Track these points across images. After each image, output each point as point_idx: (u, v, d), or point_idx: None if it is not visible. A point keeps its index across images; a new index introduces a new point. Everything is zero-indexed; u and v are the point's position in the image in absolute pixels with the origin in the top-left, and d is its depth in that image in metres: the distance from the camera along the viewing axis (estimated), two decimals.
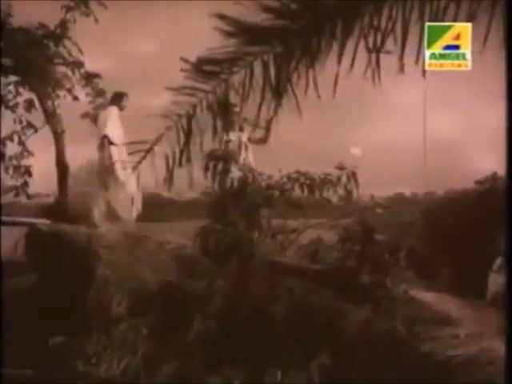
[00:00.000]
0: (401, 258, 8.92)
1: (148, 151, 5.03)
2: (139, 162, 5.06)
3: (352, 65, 4.71)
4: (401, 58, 4.68)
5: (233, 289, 6.71)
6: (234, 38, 4.75)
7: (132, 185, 9.67)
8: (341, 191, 12.65)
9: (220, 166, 9.09)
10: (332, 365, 6.15)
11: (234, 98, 5.09)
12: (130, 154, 5.26)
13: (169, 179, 5.15)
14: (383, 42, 4.63)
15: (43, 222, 9.70)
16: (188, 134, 5.09)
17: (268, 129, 10.21)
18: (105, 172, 10.13)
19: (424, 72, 4.84)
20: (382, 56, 4.72)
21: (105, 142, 9.95)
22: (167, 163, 5.04)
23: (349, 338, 6.31)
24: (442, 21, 4.69)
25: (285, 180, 10.76)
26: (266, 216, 10.94)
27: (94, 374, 6.71)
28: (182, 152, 5.06)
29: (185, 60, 4.88)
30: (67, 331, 7.40)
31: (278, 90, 4.88)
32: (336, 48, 4.75)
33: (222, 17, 4.65)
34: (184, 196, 14.56)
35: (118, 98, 10.11)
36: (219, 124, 5.14)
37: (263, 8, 4.64)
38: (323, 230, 11.35)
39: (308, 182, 11.19)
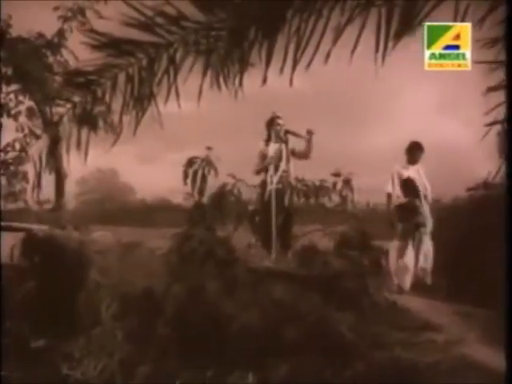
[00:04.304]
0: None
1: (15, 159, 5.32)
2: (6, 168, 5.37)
3: (218, 80, 4.83)
4: (265, 70, 4.76)
5: (209, 294, 6.79)
6: (100, 51, 4.90)
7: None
8: (336, 197, 12.75)
9: (200, 173, 9.13)
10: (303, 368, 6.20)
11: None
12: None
13: (37, 185, 5.40)
14: (249, 53, 4.72)
15: (40, 228, 9.82)
16: (53, 142, 5.28)
17: (309, 142, 10.29)
18: None
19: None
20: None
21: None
22: (35, 170, 5.24)
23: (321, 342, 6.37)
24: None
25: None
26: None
27: (74, 377, 6.82)
28: (47, 160, 5.26)
29: (56, 72, 5.13)
30: (55, 334, 7.51)
31: (141, 101, 5.00)
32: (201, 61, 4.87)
33: (89, 30, 4.82)
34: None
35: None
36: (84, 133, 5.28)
37: (128, 22, 4.76)
38: (319, 235, 11.45)
39: (304, 188, 11.27)
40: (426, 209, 9.66)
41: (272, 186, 10.26)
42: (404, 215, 9.60)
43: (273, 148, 10.45)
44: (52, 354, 7.29)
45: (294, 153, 10.52)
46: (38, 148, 5.34)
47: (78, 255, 8.52)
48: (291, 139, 10.54)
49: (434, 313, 7.84)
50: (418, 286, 9.38)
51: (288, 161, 10.54)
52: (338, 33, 4.44)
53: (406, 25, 4.39)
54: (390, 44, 4.43)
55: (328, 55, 4.49)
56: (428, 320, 7.48)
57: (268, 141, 10.50)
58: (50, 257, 8.68)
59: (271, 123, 10.47)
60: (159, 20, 4.80)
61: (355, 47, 4.46)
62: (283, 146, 10.50)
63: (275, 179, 10.29)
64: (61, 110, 5.24)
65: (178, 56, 4.94)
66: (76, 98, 5.18)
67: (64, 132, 5.26)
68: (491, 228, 8.24)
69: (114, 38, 4.90)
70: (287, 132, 10.48)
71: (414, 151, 9.76)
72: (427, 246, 9.60)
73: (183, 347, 6.44)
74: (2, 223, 10.51)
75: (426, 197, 9.70)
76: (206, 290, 6.84)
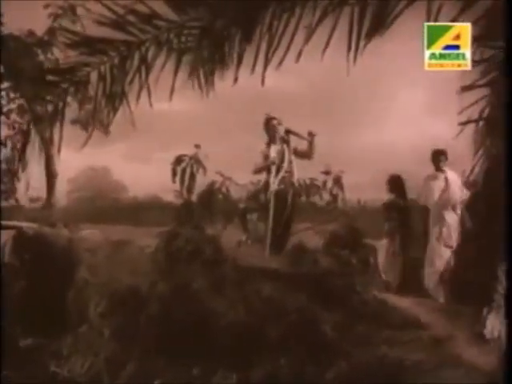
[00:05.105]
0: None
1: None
2: None
3: (191, 75, 4.82)
4: (236, 71, 4.78)
5: (195, 293, 6.80)
6: (73, 50, 4.90)
7: None
8: (327, 196, 12.73)
9: (188, 171, 9.04)
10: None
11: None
12: None
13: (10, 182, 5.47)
14: (224, 55, 4.72)
15: (30, 226, 9.82)
16: (26, 138, 5.34)
17: (311, 143, 10.24)
18: None
19: None
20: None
21: None
22: (10, 167, 5.30)
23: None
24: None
25: None
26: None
27: (61, 375, 6.82)
28: (20, 156, 5.31)
29: (37, 71, 5.12)
30: (44, 332, 7.52)
31: (113, 99, 5.01)
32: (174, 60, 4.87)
33: (62, 29, 4.86)
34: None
35: None
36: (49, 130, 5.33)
37: (101, 20, 4.77)
38: (310, 234, 11.46)
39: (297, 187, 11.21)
40: (449, 217, 9.64)
41: (274, 187, 10.21)
42: (389, 214, 9.64)
43: (274, 149, 10.39)
44: (40, 352, 7.30)
45: (296, 152, 10.46)
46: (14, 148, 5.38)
47: (68, 253, 8.53)
48: (293, 138, 10.47)
49: (421, 310, 7.86)
50: (406, 284, 9.41)
51: (290, 161, 10.47)
52: (310, 32, 4.46)
53: (379, 23, 4.40)
54: (362, 43, 4.45)
55: (299, 54, 4.51)
56: (415, 317, 7.50)
57: (269, 143, 10.44)
58: (39, 255, 8.68)
59: (267, 125, 10.41)
60: (131, 18, 4.82)
61: (327, 46, 4.48)
62: (285, 146, 10.42)
63: (277, 180, 10.23)
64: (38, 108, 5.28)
65: (150, 54, 4.95)
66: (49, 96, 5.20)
67: (39, 131, 5.28)
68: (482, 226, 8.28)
69: (86, 37, 4.92)
70: (288, 132, 10.41)
71: (436, 158, 9.80)
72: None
73: (169, 346, 6.45)
74: None
75: (453, 207, 9.66)
76: (193, 289, 6.84)
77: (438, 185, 9.73)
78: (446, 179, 9.71)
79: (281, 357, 6.16)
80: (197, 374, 6.16)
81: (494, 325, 5.98)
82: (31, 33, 11.33)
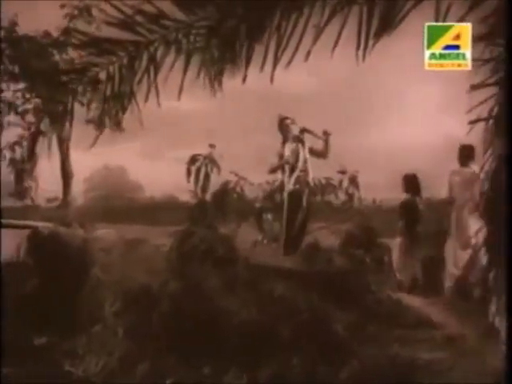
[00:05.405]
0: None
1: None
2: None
3: (198, 75, 4.84)
4: (245, 71, 4.78)
5: (208, 292, 6.81)
6: (81, 50, 4.93)
7: None
8: (342, 195, 12.73)
9: (203, 170, 9.09)
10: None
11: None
12: None
13: (16, 182, 5.56)
14: (235, 54, 4.73)
15: (45, 225, 9.87)
16: (35, 137, 5.40)
17: (326, 142, 10.28)
18: None
19: None
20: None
21: None
22: (14, 165, 5.39)
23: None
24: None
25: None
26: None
27: (76, 374, 6.85)
28: (29, 154, 5.38)
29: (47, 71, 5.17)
30: (59, 332, 7.56)
31: (122, 99, 5.03)
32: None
33: (72, 29, 4.90)
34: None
35: None
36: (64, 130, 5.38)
37: (109, 20, 4.78)
38: (326, 233, 11.47)
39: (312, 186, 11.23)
40: (472, 215, 9.45)
41: (289, 187, 10.23)
42: (404, 213, 9.64)
43: (289, 148, 10.42)
44: (55, 351, 7.34)
45: (311, 151, 10.49)
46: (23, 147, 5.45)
47: (82, 253, 8.57)
48: (309, 138, 10.50)
49: (433, 310, 7.87)
50: (420, 283, 9.41)
51: (305, 160, 10.46)
52: (319, 31, 4.46)
53: (387, 23, 4.40)
54: (371, 43, 4.44)
55: (308, 53, 4.51)
56: (428, 317, 7.51)
57: (284, 142, 10.48)
58: (54, 254, 8.72)
59: (281, 125, 10.45)
60: (139, 18, 4.84)
61: (336, 45, 4.49)
62: (299, 145, 10.42)
63: (292, 180, 10.25)
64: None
65: (159, 54, 4.98)
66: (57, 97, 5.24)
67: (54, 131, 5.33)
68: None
69: (95, 37, 4.95)
70: (304, 130, 10.45)
71: (462, 154, 9.58)
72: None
73: (182, 344, 6.46)
74: (10, 221, 10.59)
75: (477, 204, 9.47)
76: (206, 288, 6.86)
77: (463, 181, 9.57)
78: (472, 175, 9.51)
79: (293, 356, 6.16)
80: (208, 373, 6.17)
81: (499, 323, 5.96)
82: (47, 33, 11.40)
